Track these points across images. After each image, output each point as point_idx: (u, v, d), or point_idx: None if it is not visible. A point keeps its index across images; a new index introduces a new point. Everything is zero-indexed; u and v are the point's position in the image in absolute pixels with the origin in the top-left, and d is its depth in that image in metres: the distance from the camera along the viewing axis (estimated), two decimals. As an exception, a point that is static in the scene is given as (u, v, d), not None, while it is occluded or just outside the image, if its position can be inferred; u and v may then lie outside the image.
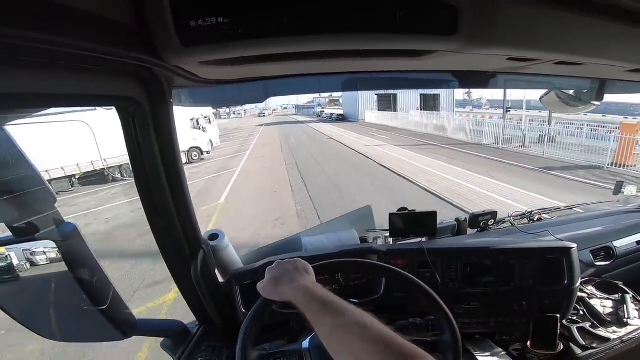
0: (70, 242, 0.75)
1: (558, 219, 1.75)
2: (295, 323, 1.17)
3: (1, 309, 0.75)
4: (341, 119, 37.11)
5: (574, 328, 1.21)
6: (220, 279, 1.24)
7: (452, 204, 6.34)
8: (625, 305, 1.27)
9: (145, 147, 0.83)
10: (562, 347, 1.15)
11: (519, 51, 0.72)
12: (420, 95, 29.87)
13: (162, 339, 1.13)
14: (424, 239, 1.41)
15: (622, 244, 1.52)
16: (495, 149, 12.66)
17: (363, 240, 1.46)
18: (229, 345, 1.07)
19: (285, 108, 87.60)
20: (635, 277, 1.56)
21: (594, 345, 1.16)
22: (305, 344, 0.95)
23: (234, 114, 63.00)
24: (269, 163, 12.13)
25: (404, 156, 11.66)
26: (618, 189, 1.86)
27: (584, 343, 1.17)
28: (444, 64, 0.94)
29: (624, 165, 8.88)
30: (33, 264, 0.77)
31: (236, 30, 0.52)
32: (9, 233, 0.69)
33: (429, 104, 30.39)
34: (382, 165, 10.37)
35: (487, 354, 1.20)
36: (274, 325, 1.13)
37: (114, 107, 0.76)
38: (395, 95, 31.32)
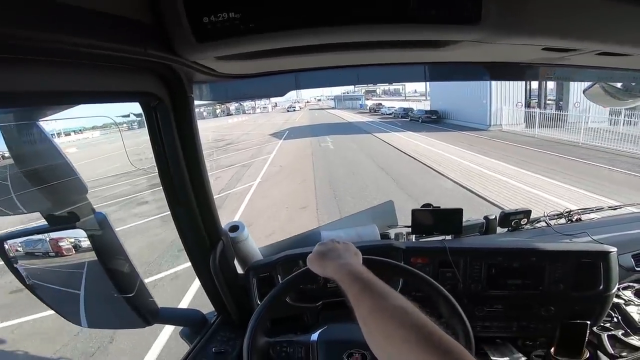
0: (100, 231, 0.79)
1: (600, 219, 1.62)
2: (308, 318, 1.17)
3: (33, 293, 0.79)
4: (433, 119, 21.53)
5: (605, 335, 1.14)
6: (240, 270, 1.26)
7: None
8: (666, 314, 1.16)
9: (167, 139, 0.86)
10: (588, 354, 1.09)
11: (554, 41, 0.66)
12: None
13: (181, 327, 1.15)
14: (448, 237, 1.35)
15: None
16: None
17: (384, 236, 1.43)
18: (243, 336, 1.09)
19: (318, 100, 78.19)
20: None
21: (624, 353, 1.10)
22: (314, 336, 0.95)
23: (259, 108, 55.60)
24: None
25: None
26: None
27: (612, 351, 1.10)
28: (473, 55, 0.89)
29: None
30: (57, 253, 0.79)
31: (247, 24, 0.52)
32: (43, 221, 0.73)
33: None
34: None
35: (506, 358, 1.16)
36: (286, 319, 1.13)
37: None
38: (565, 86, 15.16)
